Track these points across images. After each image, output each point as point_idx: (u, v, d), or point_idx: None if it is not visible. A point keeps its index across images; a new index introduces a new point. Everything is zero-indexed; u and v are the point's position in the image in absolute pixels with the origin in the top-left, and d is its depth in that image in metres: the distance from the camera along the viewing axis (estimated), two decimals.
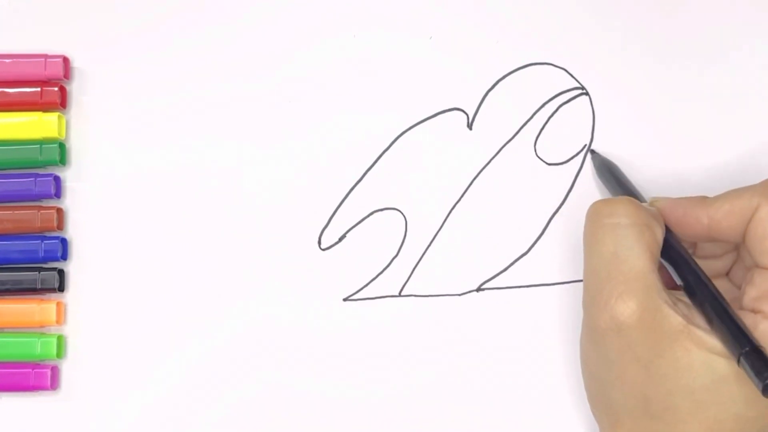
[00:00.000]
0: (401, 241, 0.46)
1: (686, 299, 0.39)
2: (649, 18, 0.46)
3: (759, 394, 0.36)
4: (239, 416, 0.45)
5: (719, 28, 0.46)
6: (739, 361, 0.36)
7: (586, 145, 0.46)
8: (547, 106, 0.46)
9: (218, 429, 0.45)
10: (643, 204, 0.41)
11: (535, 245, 0.46)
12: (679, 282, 0.40)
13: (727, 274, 0.42)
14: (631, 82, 0.46)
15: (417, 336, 0.46)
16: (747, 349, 0.36)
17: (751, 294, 0.38)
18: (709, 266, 0.41)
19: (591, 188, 0.45)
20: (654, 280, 0.37)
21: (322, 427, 0.45)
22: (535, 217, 0.46)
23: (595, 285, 0.38)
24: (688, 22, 0.46)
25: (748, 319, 0.37)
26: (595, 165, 0.46)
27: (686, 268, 0.39)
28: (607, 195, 0.45)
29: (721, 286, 0.41)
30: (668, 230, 0.40)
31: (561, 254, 0.45)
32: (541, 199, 0.46)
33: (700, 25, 0.46)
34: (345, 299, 0.46)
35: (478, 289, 0.46)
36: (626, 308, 0.37)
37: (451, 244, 0.46)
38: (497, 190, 0.46)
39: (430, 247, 0.46)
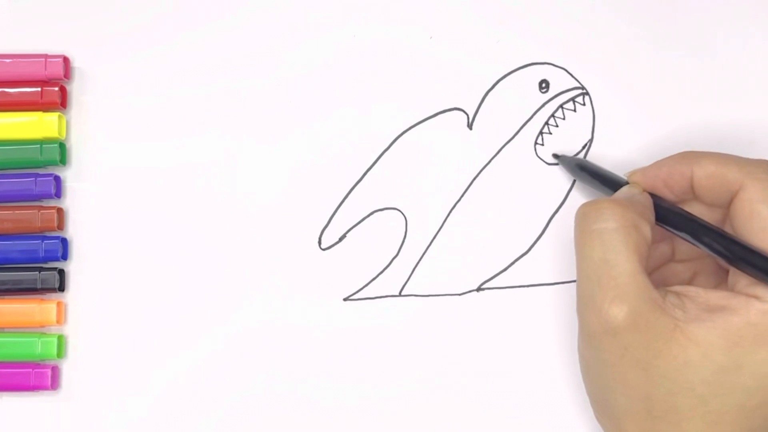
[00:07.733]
0: (401, 241, 0.46)
1: (676, 290, 0.39)
2: (649, 17, 0.46)
3: (759, 382, 0.36)
4: (239, 416, 0.45)
5: (720, 27, 0.46)
6: None
7: (586, 144, 0.46)
8: (547, 106, 0.46)
9: (218, 429, 0.45)
10: (628, 192, 0.41)
11: (535, 245, 0.46)
12: (696, 243, 0.39)
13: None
14: (631, 81, 0.46)
15: (417, 336, 0.46)
16: None
17: (744, 280, 0.38)
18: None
19: (591, 188, 0.45)
20: (644, 281, 0.38)
21: (322, 427, 0.45)
22: (535, 217, 0.46)
23: (587, 290, 0.38)
24: (689, 21, 0.46)
25: (741, 302, 0.37)
26: (567, 168, 0.45)
27: (690, 224, 0.39)
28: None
29: (710, 267, 0.42)
30: (660, 198, 0.41)
31: (561, 254, 0.45)
32: (541, 199, 0.46)
33: (701, 24, 0.46)
34: (345, 299, 0.46)
35: (478, 289, 0.46)
36: (619, 312, 0.37)
37: (451, 244, 0.46)
38: (497, 190, 0.46)
39: (430, 247, 0.46)
